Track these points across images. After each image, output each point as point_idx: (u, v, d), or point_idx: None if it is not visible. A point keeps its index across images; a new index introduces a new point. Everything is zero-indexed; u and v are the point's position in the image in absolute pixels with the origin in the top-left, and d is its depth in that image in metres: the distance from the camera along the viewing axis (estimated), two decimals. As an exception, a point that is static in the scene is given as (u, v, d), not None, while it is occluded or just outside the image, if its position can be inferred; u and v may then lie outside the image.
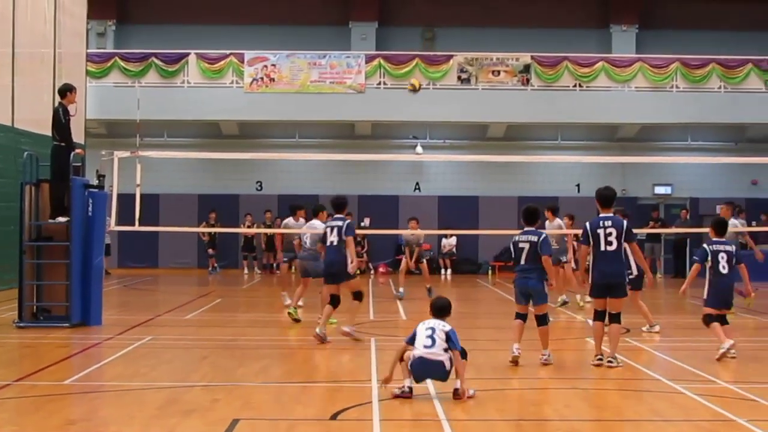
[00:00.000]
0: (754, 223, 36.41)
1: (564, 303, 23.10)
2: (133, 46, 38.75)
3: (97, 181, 19.86)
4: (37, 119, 19.91)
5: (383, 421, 10.58)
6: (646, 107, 37.23)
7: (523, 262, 14.52)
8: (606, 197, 14.61)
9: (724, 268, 15.31)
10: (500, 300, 26.64)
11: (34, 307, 19.37)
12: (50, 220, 19.14)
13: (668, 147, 39.98)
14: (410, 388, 11.70)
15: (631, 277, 16.80)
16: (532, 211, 14.92)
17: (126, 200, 21.18)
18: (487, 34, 39.82)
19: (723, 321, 15.35)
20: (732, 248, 15.51)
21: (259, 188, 39.55)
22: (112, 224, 21.27)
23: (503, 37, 39.58)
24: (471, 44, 38.54)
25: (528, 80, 37.17)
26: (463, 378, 11.70)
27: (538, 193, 37.89)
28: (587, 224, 14.50)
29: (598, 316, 14.46)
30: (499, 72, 37.12)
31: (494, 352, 14.63)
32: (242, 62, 36.81)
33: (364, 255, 37.69)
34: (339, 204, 17.33)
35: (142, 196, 20.83)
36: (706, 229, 16.64)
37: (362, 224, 38.17)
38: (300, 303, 21.68)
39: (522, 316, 14.61)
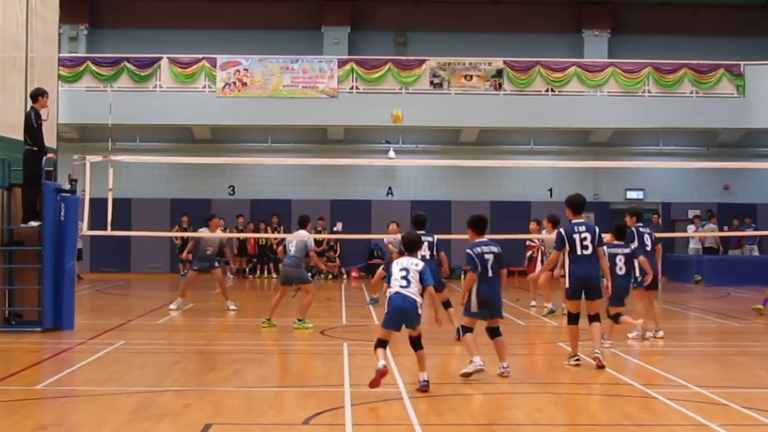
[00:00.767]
0: (726, 227, 36.58)
1: (551, 312, 23.07)
2: (105, 51, 38.72)
3: (69, 186, 19.76)
4: (9, 123, 19.72)
5: (356, 425, 10.58)
6: (619, 112, 37.34)
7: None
8: (577, 204, 15.14)
9: (621, 269, 17.06)
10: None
11: (6, 311, 19.29)
12: (22, 225, 19.05)
13: (640, 152, 40.11)
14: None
15: (640, 279, 18.07)
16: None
17: (98, 205, 21.14)
18: (460, 38, 39.93)
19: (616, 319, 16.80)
20: (629, 250, 17.36)
21: (231, 193, 39.47)
22: (85, 229, 21.23)
23: (476, 41, 39.69)
24: (443, 49, 38.62)
25: (500, 85, 37.23)
26: (439, 307, 13.48)
27: (511, 198, 38.10)
28: (562, 230, 15.04)
29: (573, 319, 14.87)
30: (471, 77, 37.18)
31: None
32: (215, 67, 36.77)
33: (337, 260, 37.69)
34: (420, 222, 18.15)
35: (114, 200, 20.72)
36: (680, 234, 17.26)
37: (335, 229, 38.23)
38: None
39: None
